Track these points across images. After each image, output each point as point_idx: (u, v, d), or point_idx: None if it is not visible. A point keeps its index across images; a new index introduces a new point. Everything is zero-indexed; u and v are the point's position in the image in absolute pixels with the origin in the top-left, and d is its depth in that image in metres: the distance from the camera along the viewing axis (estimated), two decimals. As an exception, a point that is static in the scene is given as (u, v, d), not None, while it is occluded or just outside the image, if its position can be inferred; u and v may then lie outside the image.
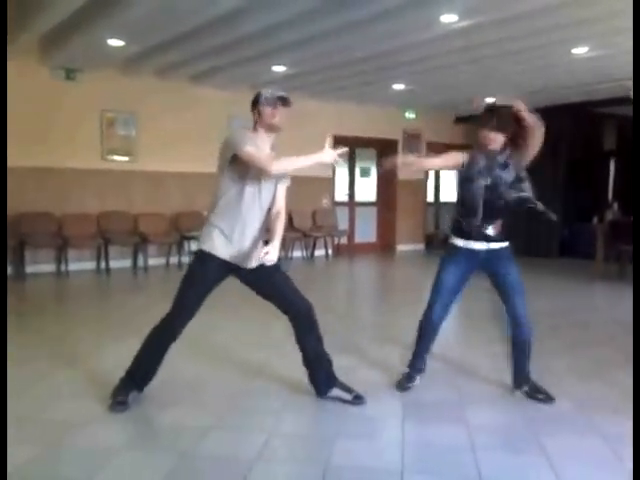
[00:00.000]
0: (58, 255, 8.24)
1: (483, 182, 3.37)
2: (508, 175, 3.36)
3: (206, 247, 3.16)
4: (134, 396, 3.29)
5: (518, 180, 3.37)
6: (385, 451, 2.87)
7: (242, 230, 3.15)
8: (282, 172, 3.11)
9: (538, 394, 3.51)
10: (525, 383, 3.57)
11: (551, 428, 3.11)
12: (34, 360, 4.14)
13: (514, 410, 3.38)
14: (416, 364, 3.69)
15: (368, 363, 4.17)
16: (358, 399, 3.39)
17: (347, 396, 3.39)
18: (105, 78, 8.41)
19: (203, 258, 3.18)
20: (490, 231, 3.42)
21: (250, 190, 3.12)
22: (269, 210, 3.27)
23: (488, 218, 3.40)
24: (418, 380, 3.69)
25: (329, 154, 3.05)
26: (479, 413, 3.35)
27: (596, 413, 3.32)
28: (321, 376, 3.41)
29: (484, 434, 3.09)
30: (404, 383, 3.65)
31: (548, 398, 3.48)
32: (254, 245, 3.19)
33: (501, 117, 3.31)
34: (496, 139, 3.33)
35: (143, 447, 2.92)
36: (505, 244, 3.51)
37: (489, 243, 3.44)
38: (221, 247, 3.14)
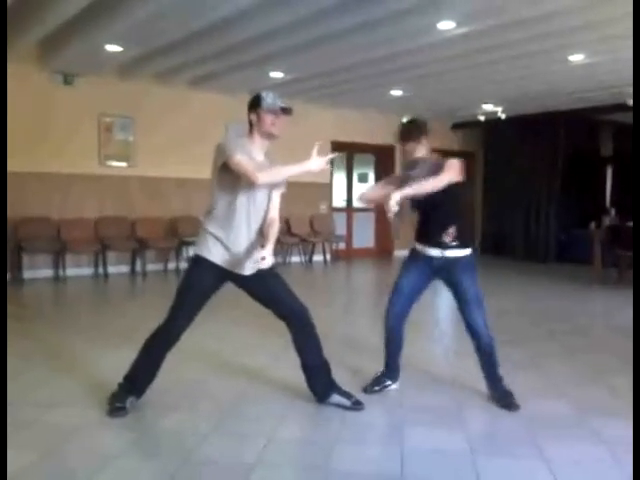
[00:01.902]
0: (56, 260, 8.23)
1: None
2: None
3: (202, 253, 3.17)
4: (132, 402, 3.28)
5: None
6: (384, 457, 2.86)
7: (237, 237, 3.15)
8: (268, 182, 3.10)
9: (503, 400, 3.46)
10: (493, 390, 3.54)
11: (550, 433, 3.11)
12: (32, 366, 4.13)
13: (512, 415, 3.37)
14: (387, 367, 3.69)
15: (367, 369, 4.16)
16: (357, 405, 3.38)
17: (346, 402, 3.38)
18: (103, 83, 8.43)
19: (199, 264, 3.18)
20: (444, 238, 3.39)
21: (244, 197, 3.12)
22: (265, 216, 3.27)
23: (439, 224, 3.40)
24: (390, 383, 3.68)
25: (316, 162, 3.04)
26: (477, 418, 3.36)
27: (594, 417, 3.32)
28: (320, 382, 3.41)
29: (483, 439, 3.10)
30: (373, 385, 3.66)
31: (513, 406, 3.42)
32: (250, 251, 3.18)
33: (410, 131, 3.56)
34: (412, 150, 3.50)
35: (142, 453, 2.91)
36: (463, 252, 3.44)
37: (444, 250, 3.41)
38: (217, 253, 3.15)
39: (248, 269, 3.18)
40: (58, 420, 3.20)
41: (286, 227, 9.88)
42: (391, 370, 3.70)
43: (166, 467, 2.68)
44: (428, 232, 3.46)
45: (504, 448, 2.99)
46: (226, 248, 3.14)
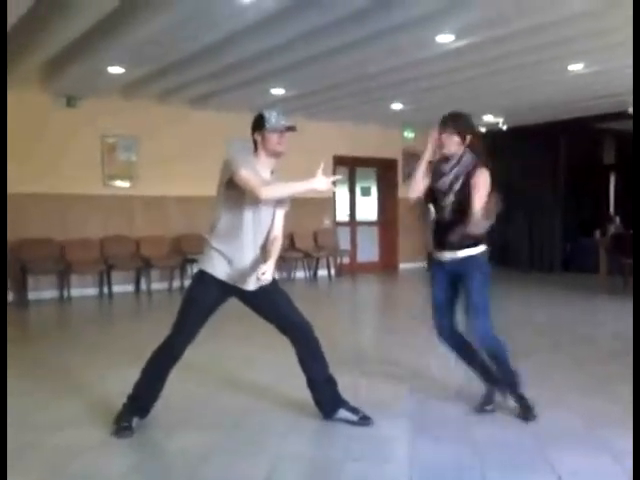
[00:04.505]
0: (60, 281, 8.24)
1: (440, 187, 3.38)
2: (453, 180, 3.34)
3: (206, 268, 3.19)
4: (137, 422, 3.26)
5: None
6: (393, 472, 2.84)
7: (241, 252, 3.16)
8: (273, 198, 3.13)
9: (519, 410, 3.42)
10: (507, 398, 3.50)
11: (559, 445, 3.08)
12: (37, 387, 4.12)
13: (521, 427, 3.34)
14: (485, 382, 3.58)
15: (373, 383, 4.14)
16: (365, 420, 3.36)
17: (354, 417, 3.36)
18: (105, 104, 8.48)
19: (203, 278, 3.20)
20: (452, 238, 3.34)
21: (248, 213, 3.14)
22: (268, 233, 3.28)
23: (449, 225, 3.36)
24: (496, 397, 3.57)
25: (322, 182, 3.06)
26: (486, 431, 3.32)
27: (603, 429, 3.28)
28: (326, 398, 3.38)
29: (492, 452, 3.06)
30: (482, 405, 3.55)
31: (530, 416, 3.38)
32: (254, 267, 3.19)
33: (455, 120, 3.35)
34: (449, 142, 3.31)
35: (148, 473, 2.89)
36: (475, 251, 3.37)
37: (456, 252, 3.37)
38: (221, 269, 3.16)
39: (252, 284, 3.19)
40: (62, 441, 3.17)
41: (290, 242, 9.90)
42: (494, 380, 3.55)
43: (173, 487, 2.66)
44: (442, 236, 3.42)
45: (514, 461, 2.95)
46: (230, 263, 3.15)
